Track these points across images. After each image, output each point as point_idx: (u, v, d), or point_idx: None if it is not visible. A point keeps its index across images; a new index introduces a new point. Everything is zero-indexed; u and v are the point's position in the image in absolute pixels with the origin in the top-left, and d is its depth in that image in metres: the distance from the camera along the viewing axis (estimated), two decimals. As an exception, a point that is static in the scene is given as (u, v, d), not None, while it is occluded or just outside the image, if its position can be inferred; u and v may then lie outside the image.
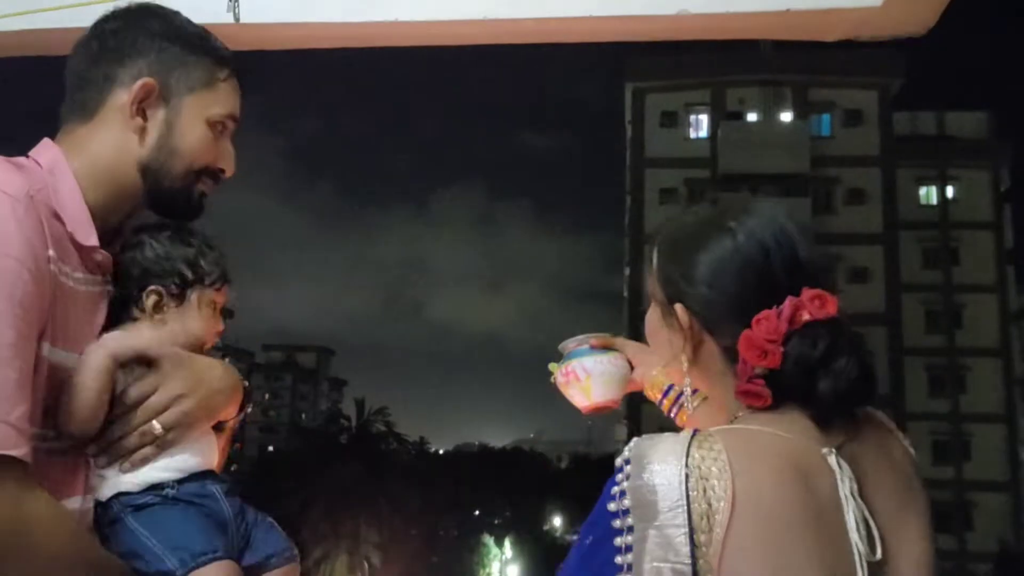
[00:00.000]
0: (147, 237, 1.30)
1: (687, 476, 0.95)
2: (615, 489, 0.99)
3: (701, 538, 0.93)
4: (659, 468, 0.97)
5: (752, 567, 0.92)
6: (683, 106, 34.86)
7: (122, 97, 1.25)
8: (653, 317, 1.20)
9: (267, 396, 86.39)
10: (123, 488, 1.20)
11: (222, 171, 1.35)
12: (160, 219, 1.33)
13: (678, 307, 1.12)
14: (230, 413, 1.34)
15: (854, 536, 0.96)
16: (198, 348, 1.32)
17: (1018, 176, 36.91)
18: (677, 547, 0.93)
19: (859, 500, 0.98)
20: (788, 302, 1.05)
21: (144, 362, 1.22)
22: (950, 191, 35.39)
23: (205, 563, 1.16)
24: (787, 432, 1.01)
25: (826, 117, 34.49)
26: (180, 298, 1.30)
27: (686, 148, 34.49)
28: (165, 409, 1.21)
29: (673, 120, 34.95)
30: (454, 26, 1.78)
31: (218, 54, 1.33)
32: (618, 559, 0.96)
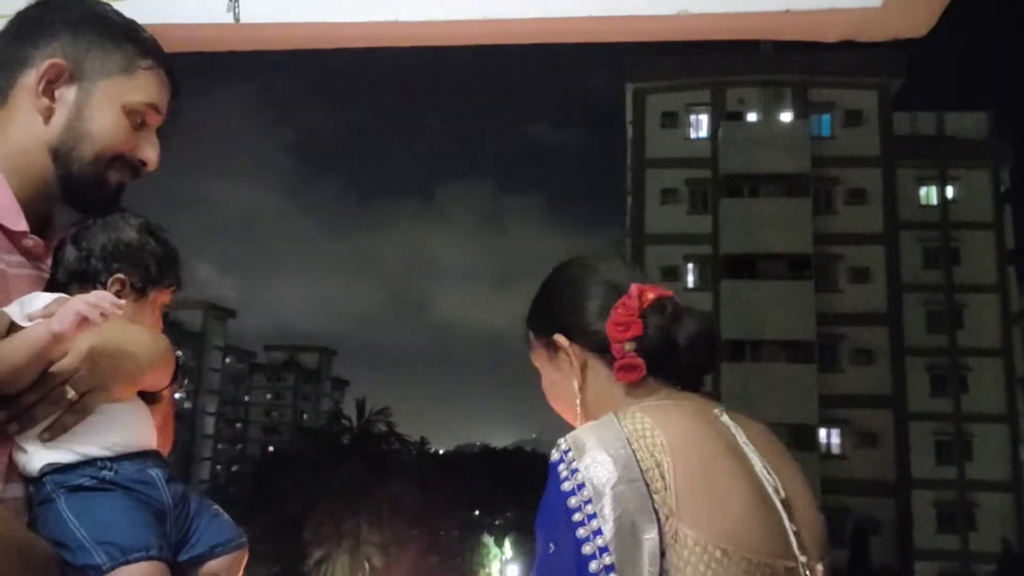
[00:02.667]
0: (119, 220, 1.27)
1: (628, 440, 1.07)
2: (566, 484, 1.06)
3: (657, 485, 1.04)
4: (598, 444, 1.07)
5: (697, 494, 1.04)
6: (683, 106, 34.85)
7: (32, 77, 1.23)
8: (545, 372, 1.33)
9: (269, 396, 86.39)
10: (51, 459, 1.13)
11: (143, 163, 1.32)
12: (133, 212, 1.31)
13: (557, 337, 1.28)
14: (157, 383, 1.25)
15: (763, 473, 1.12)
16: None
17: (1018, 176, 36.90)
18: (639, 501, 1.02)
19: (753, 448, 1.15)
20: (634, 287, 1.23)
21: None
22: (950, 191, 35.37)
23: (134, 561, 1.08)
24: (679, 402, 1.18)
25: (826, 117, 34.47)
26: (141, 292, 1.26)
27: (686, 148, 34.48)
28: (75, 370, 1.11)
29: (674, 120, 34.94)
30: (454, 26, 1.78)
31: (143, 44, 1.31)
32: (586, 548, 1.01)
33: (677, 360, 1.21)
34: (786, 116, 34.55)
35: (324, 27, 1.79)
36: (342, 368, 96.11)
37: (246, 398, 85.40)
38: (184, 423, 70.64)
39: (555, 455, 1.10)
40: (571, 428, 1.16)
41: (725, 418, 1.18)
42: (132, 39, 1.29)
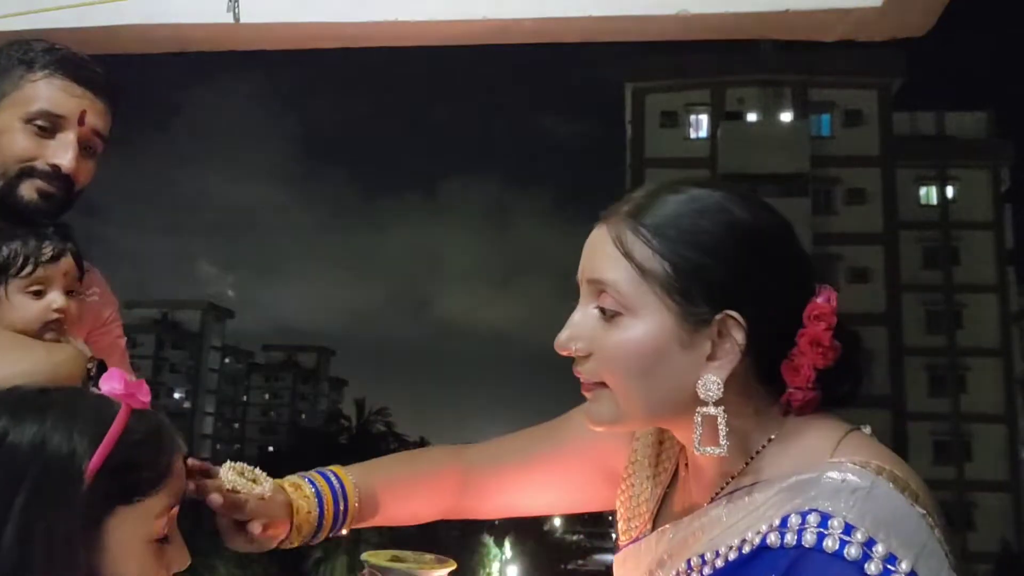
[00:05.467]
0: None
1: (932, 530, 0.84)
2: None
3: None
4: (917, 515, 0.84)
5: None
6: (683, 106, 34.88)
7: None
8: (657, 334, 0.93)
9: (267, 396, 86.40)
10: None
11: (56, 167, 1.38)
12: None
13: (730, 316, 0.92)
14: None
15: None
16: (34, 333, 1.34)
17: (1018, 176, 36.85)
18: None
19: None
20: (827, 291, 0.96)
21: None
22: (950, 191, 35.39)
23: None
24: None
25: (826, 117, 34.50)
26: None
27: (686, 148, 34.50)
28: None
29: (673, 120, 34.97)
30: (454, 26, 1.78)
31: (29, 60, 1.40)
32: None
33: (837, 398, 0.98)
34: (786, 116, 34.57)
35: (324, 27, 1.79)
36: (341, 367, 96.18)
37: (244, 398, 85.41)
38: (182, 423, 70.61)
39: (853, 550, 0.80)
40: None
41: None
42: (21, 59, 1.40)
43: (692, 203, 0.95)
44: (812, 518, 0.83)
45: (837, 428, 0.95)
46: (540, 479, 1.28)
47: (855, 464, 0.87)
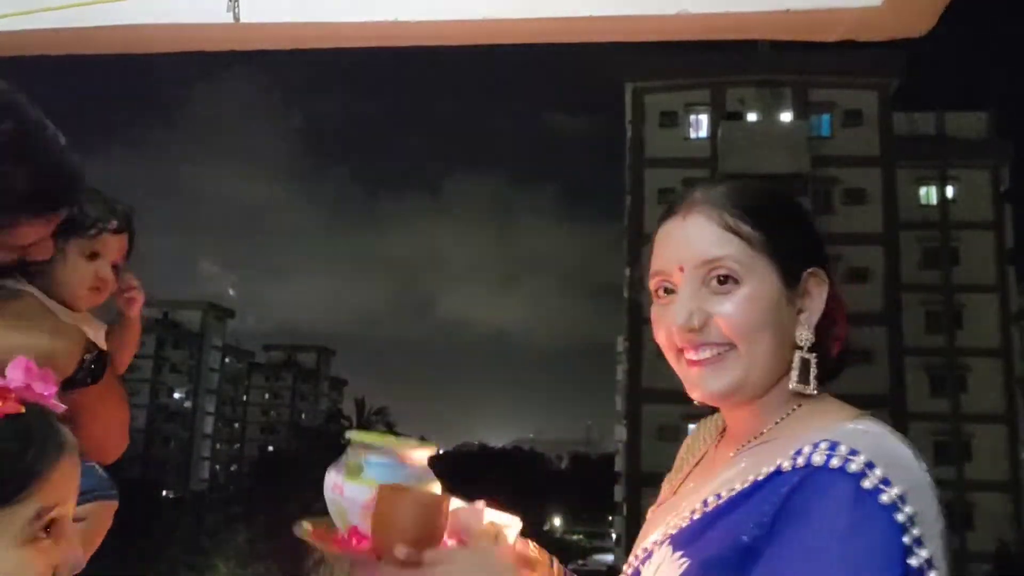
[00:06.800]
0: None
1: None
2: (884, 497, 0.91)
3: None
4: (918, 464, 0.97)
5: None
6: (683, 106, 34.88)
7: None
8: (771, 290, 1.09)
9: (268, 396, 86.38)
10: None
11: None
12: None
13: (814, 273, 1.12)
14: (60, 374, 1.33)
15: None
16: (74, 303, 1.41)
17: (1018, 176, 36.86)
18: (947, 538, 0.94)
19: None
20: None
21: None
22: (950, 191, 35.40)
23: None
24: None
25: (826, 117, 34.50)
26: (59, 249, 1.38)
27: (686, 148, 34.50)
28: None
29: (673, 120, 34.97)
30: (454, 26, 1.78)
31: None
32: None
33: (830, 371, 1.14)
34: (785, 116, 34.57)
35: (324, 27, 1.79)
36: (342, 367, 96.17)
37: (244, 398, 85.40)
38: (183, 423, 70.60)
39: (853, 467, 0.93)
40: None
41: None
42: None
43: (755, 187, 1.16)
44: (823, 445, 0.96)
45: (854, 409, 1.07)
46: None
47: (871, 422, 1.01)
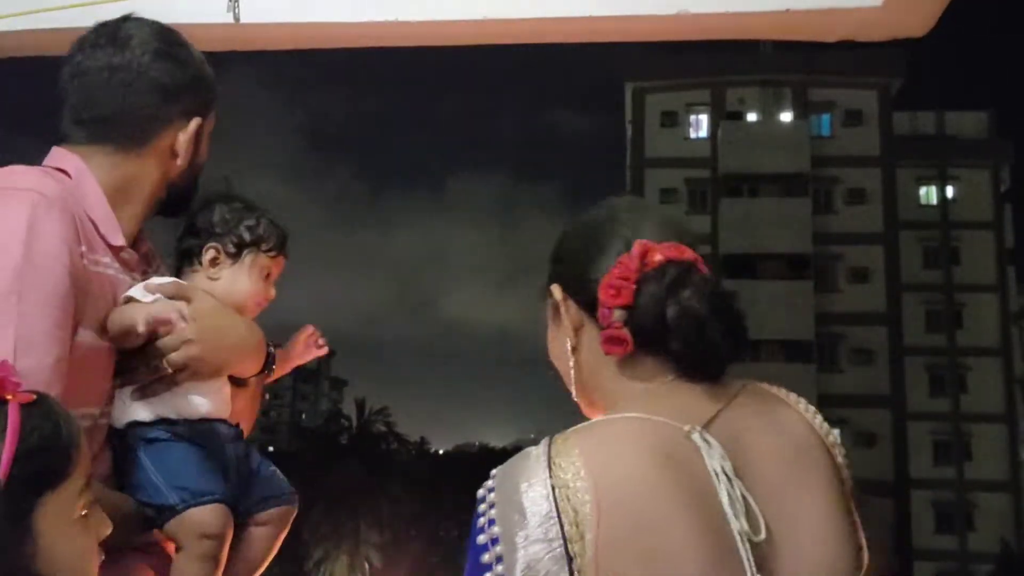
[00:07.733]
0: (217, 203, 1.44)
1: (553, 488, 0.91)
2: (481, 520, 0.94)
3: (575, 548, 0.88)
4: (525, 487, 0.93)
5: (626, 560, 0.88)
6: (683, 106, 34.87)
7: (173, 137, 1.41)
8: (550, 327, 1.18)
9: (267, 396, 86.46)
10: (135, 417, 1.30)
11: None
12: (229, 191, 1.48)
13: (552, 287, 1.14)
14: (247, 370, 1.42)
15: (730, 514, 0.90)
16: (243, 310, 1.42)
17: (1018, 176, 36.92)
18: (548, 563, 0.89)
19: (733, 476, 0.93)
20: (637, 244, 1.05)
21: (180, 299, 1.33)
22: (950, 191, 35.38)
23: (204, 503, 1.26)
24: (654, 413, 0.98)
25: (826, 117, 34.49)
26: (235, 257, 1.41)
27: (686, 148, 34.50)
28: (174, 349, 1.30)
29: (673, 120, 34.95)
30: (454, 26, 1.78)
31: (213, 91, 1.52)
32: None
33: (666, 341, 1.02)
34: (786, 116, 34.57)
35: (324, 27, 1.80)
36: (342, 367, 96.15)
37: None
38: (183, 423, 70.49)
39: (480, 492, 0.96)
40: (570, 427, 1.01)
41: (697, 436, 0.95)
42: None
43: None
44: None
45: None
46: None
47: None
